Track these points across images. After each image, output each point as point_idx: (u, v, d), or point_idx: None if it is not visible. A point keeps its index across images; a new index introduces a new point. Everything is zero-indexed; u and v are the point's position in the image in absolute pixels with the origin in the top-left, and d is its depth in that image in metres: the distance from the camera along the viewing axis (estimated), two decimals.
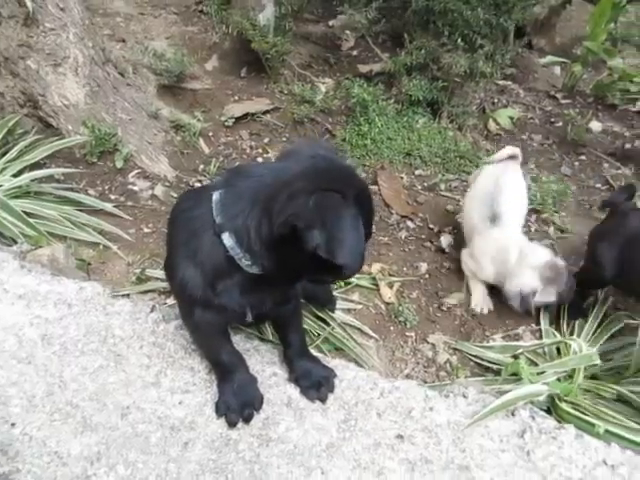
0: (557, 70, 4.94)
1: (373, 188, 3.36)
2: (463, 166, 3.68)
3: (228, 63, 3.90)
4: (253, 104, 3.75)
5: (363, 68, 4.18)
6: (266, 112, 3.76)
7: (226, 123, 3.63)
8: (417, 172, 3.61)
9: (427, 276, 2.75)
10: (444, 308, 2.56)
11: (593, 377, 2.15)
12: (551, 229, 3.14)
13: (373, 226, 1.37)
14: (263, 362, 1.73)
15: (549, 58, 4.57)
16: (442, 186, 3.44)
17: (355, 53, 4.51)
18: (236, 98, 3.79)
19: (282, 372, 1.70)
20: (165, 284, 2.21)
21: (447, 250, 2.90)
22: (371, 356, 2.18)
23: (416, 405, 1.66)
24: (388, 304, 2.54)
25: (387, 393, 1.67)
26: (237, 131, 3.65)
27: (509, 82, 4.84)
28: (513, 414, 1.71)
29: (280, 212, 1.17)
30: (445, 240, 2.94)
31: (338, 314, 2.25)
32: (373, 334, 2.34)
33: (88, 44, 3.03)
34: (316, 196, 1.15)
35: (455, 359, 2.31)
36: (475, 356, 2.32)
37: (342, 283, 2.55)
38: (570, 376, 2.07)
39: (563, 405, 1.87)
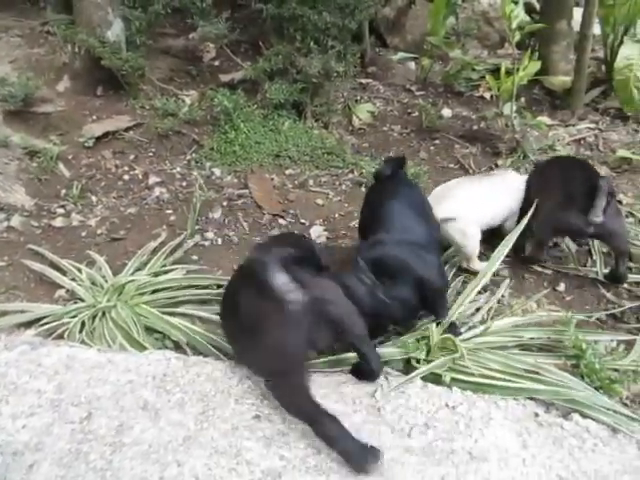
0: (412, 65, 5.33)
1: (244, 192, 3.44)
2: (331, 161, 3.86)
3: (81, 83, 3.79)
4: (113, 122, 3.68)
5: (225, 77, 4.26)
6: (128, 129, 3.71)
7: (86, 144, 3.53)
8: (287, 172, 3.73)
9: None
10: None
11: None
12: None
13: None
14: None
15: (400, 54, 4.94)
16: (311, 182, 3.59)
17: (217, 63, 4.58)
18: (94, 118, 3.70)
19: (138, 378, 1.70)
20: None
21: (318, 240, 3.04)
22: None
23: None
24: None
25: (245, 379, 1.74)
26: (99, 151, 3.56)
27: (370, 79, 5.15)
28: None
29: None
30: (315, 231, 3.07)
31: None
32: None
33: None
34: None
35: None
36: None
37: None
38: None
39: (413, 363, 2.04)
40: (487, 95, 4.70)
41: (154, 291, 2.49)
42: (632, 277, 2.67)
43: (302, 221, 3.24)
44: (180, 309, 2.38)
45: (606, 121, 4.32)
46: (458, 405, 1.77)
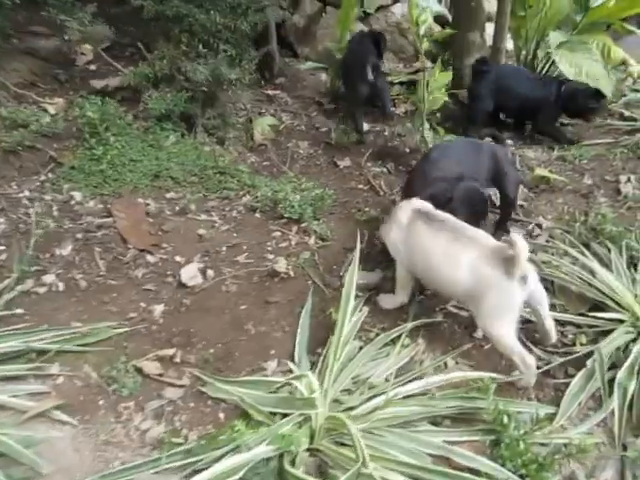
0: (324, 76, 4.91)
1: (107, 221, 2.80)
2: (223, 183, 3.30)
3: None
4: None
5: (98, 83, 3.61)
6: None
7: None
8: (168, 195, 3.13)
9: (161, 321, 2.26)
10: (177, 360, 2.08)
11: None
12: (312, 239, 2.89)
13: None
14: None
15: (308, 64, 4.51)
16: (192, 207, 3.00)
17: (93, 68, 3.91)
18: None
19: None
20: None
21: (189, 284, 2.45)
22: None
23: None
24: (101, 370, 1.98)
25: None
26: None
27: (278, 91, 4.67)
28: None
29: None
30: (187, 272, 2.48)
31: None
32: (68, 418, 1.76)
33: None
34: None
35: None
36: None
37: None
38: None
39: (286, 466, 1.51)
40: (402, 109, 4.35)
41: None
42: (558, 316, 2.30)
43: (176, 258, 2.64)
44: None
45: (523, 138, 4.08)
46: None
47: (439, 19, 5.05)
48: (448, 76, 3.30)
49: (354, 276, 2.22)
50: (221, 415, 1.87)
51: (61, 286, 2.36)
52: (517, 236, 1.94)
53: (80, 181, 3.05)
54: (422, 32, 3.01)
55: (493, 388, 1.78)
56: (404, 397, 1.89)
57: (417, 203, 2.38)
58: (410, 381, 1.98)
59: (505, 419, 1.71)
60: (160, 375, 2.00)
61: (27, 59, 3.79)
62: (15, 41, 3.85)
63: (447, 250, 2.11)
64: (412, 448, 1.68)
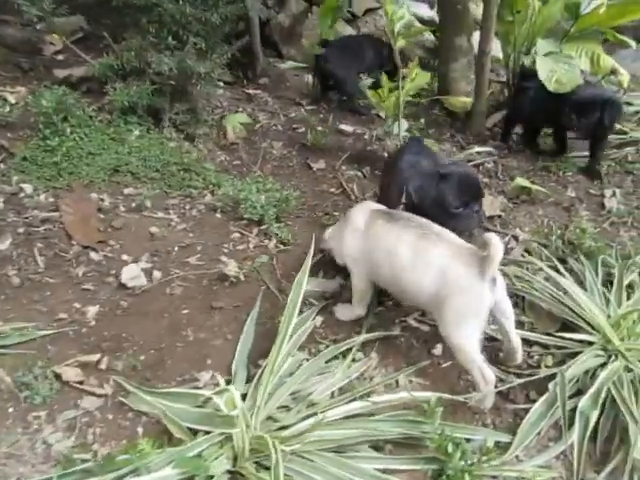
0: (310, 78, 4.77)
1: (53, 215, 2.63)
2: (187, 180, 3.14)
3: None
4: None
5: (61, 73, 3.46)
6: None
7: None
8: (126, 191, 2.96)
9: (93, 323, 2.08)
10: (102, 367, 1.90)
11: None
12: (272, 243, 2.72)
13: None
14: None
15: (290, 63, 4.36)
16: (149, 204, 2.83)
17: (61, 58, 3.76)
18: None
19: None
20: None
21: (130, 284, 2.27)
22: None
23: None
24: (15, 375, 1.80)
25: None
26: None
27: (259, 91, 4.53)
28: None
29: None
30: (128, 272, 2.31)
31: None
32: None
33: None
34: None
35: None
36: None
37: None
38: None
39: None
40: (382, 113, 4.20)
41: None
42: (526, 334, 2.13)
43: (123, 257, 2.47)
44: None
45: (509, 146, 3.93)
46: None
47: (430, 24, 4.92)
48: (426, 77, 3.14)
49: (303, 283, 2.05)
50: (139, 430, 1.69)
51: None
52: (492, 235, 1.79)
53: (32, 173, 2.87)
54: (397, 29, 2.85)
55: (440, 411, 1.60)
56: (344, 417, 1.71)
57: (373, 204, 2.22)
58: (354, 399, 1.81)
59: (450, 447, 1.53)
60: (80, 382, 1.82)
61: None
62: None
63: (415, 247, 1.95)
64: (342, 476, 1.49)
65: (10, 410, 1.71)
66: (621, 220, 3.04)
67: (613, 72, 3.72)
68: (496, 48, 4.49)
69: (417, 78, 3.06)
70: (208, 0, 3.27)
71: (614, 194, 3.25)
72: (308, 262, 2.13)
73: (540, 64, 3.37)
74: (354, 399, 1.80)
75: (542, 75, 3.36)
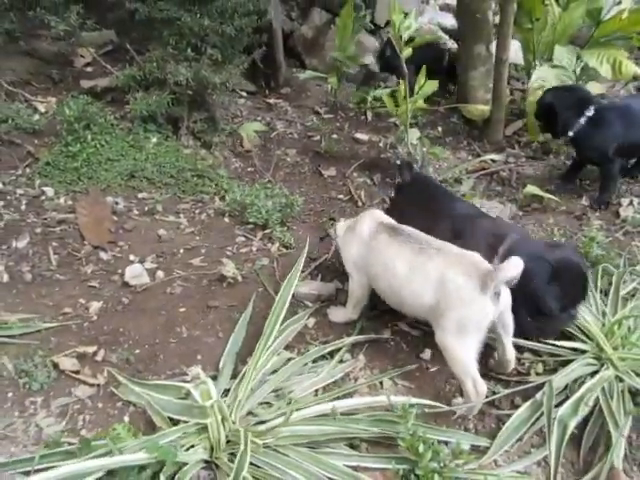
0: (329, 88, 4.85)
1: (69, 217, 2.78)
2: (200, 186, 3.26)
3: None
4: None
5: (86, 84, 3.66)
6: None
7: None
8: (140, 195, 3.10)
9: (94, 318, 2.19)
10: (98, 358, 2.00)
11: None
12: (274, 246, 2.78)
13: None
14: None
15: (308, 73, 4.43)
16: (160, 208, 2.96)
17: (89, 70, 3.98)
18: None
19: None
20: None
21: (132, 283, 2.38)
22: None
23: None
24: (17, 362, 1.92)
25: None
26: None
27: (280, 100, 4.64)
28: None
29: None
30: (131, 271, 2.42)
31: None
32: None
33: None
34: None
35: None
36: None
37: None
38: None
39: None
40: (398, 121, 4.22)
41: None
42: (518, 341, 2.09)
43: (130, 257, 2.58)
44: None
45: (527, 154, 3.87)
46: None
47: (452, 32, 4.92)
48: (434, 85, 3.15)
49: (293, 284, 2.09)
50: (126, 419, 1.77)
51: (6, 277, 2.34)
52: (518, 258, 1.73)
53: (54, 177, 3.06)
54: (405, 37, 2.89)
55: (413, 412, 1.60)
56: (322, 415, 1.73)
57: (381, 215, 2.23)
58: (336, 398, 1.83)
59: (421, 448, 1.53)
60: (76, 372, 1.92)
61: (26, 60, 3.89)
62: (22, 43, 3.97)
63: (414, 261, 1.94)
64: (313, 470, 1.52)
65: (9, 395, 1.82)
66: (636, 230, 2.94)
67: (635, 78, 3.61)
68: (518, 56, 4.47)
69: (425, 86, 3.07)
70: (225, 13, 3.41)
71: (631, 203, 3.15)
72: (301, 263, 2.17)
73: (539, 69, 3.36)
74: (336, 398, 1.82)
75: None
